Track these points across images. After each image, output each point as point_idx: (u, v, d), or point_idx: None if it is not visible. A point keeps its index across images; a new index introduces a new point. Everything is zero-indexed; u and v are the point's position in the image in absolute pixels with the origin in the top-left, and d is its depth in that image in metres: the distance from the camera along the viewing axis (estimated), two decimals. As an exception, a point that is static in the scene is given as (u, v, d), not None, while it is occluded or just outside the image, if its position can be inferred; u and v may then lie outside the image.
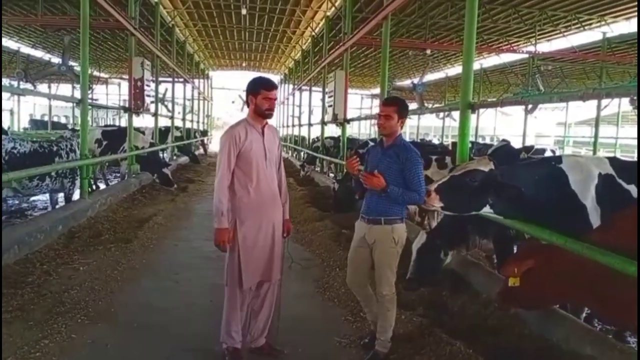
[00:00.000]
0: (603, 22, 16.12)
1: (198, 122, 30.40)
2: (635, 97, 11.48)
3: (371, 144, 12.86)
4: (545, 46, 19.09)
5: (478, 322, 4.27)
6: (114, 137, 12.79)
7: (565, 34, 17.53)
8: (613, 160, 4.41)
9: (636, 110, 20.27)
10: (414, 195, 3.56)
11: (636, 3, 13.93)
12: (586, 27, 16.60)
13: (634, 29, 16.01)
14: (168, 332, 4.14)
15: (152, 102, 14.96)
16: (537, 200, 4.08)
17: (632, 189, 4.11)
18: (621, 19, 15.77)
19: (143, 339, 4.00)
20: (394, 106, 3.67)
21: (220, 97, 47.61)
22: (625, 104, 21.40)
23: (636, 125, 28.33)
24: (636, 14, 15.15)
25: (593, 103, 17.21)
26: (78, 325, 4.10)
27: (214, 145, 36.18)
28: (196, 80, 27.87)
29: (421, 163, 3.65)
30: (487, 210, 4.12)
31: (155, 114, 16.23)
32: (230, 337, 3.62)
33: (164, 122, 20.70)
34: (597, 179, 4.14)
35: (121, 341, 3.93)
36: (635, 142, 28.43)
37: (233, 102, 40.60)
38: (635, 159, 18.61)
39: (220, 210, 3.45)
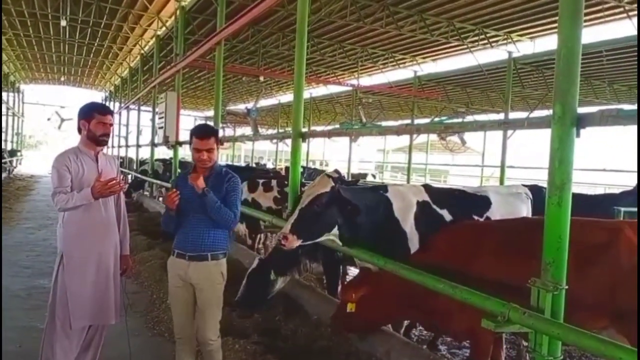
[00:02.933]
0: (415, 62, 18.15)
1: (5, 140, 26.98)
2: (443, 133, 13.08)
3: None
4: (366, 80, 20.84)
5: (310, 343, 4.41)
6: None
7: (383, 70, 19.38)
8: (427, 188, 4.92)
9: (442, 141, 23.16)
10: (229, 214, 3.29)
11: (441, 47, 15.98)
12: (400, 65, 18.50)
13: (440, 69, 18.36)
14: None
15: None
16: (367, 224, 4.33)
17: (445, 213, 4.62)
18: (429, 59, 17.93)
19: None
20: (212, 136, 3.34)
21: (35, 114, 42.86)
22: (433, 135, 24.22)
23: (444, 153, 32.26)
24: (442, 56, 17.40)
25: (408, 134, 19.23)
26: None
27: (25, 167, 32.41)
28: (4, 94, 24.79)
29: (240, 189, 3.48)
30: (334, 232, 4.18)
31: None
32: None
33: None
34: (415, 206, 4.56)
35: None
36: (442, 167, 32.37)
37: (49, 119, 36.80)
38: (447, 184, 21.09)
39: (77, 197, 3.17)
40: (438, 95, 20.51)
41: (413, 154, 19.71)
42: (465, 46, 14.85)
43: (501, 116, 16.82)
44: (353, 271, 8.23)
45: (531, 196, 5.08)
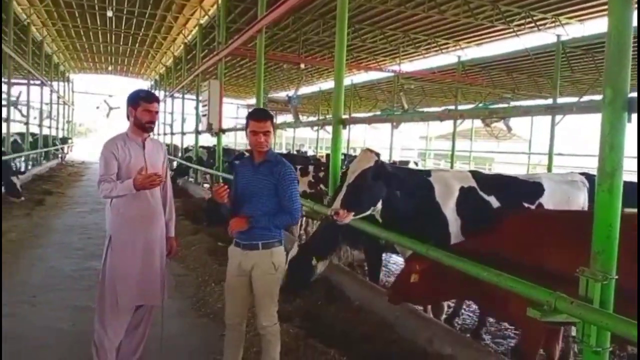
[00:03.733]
0: (458, 47, 17.77)
1: (57, 128, 28.04)
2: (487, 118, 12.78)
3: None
4: (408, 66, 20.55)
5: (351, 329, 4.43)
6: None
7: (426, 55, 19.06)
8: (475, 174, 4.87)
9: (487, 128, 22.66)
10: (284, 217, 3.32)
11: (487, 31, 15.58)
12: (443, 51, 18.15)
13: (485, 53, 17.90)
14: (26, 362, 3.77)
15: (4, 105, 13.58)
16: (408, 206, 4.39)
17: (492, 199, 4.57)
18: (473, 44, 17.51)
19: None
20: (269, 119, 3.33)
21: (84, 102, 44.31)
22: (477, 121, 23.73)
23: (489, 140, 31.54)
24: (486, 40, 16.95)
25: (450, 120, 18.89)
26: None
27: (76, 154, 33.63)
28: (55, 83, 25.73)
29: (295, 179, 3.39)
30: (378, 207, 4.31)
31: (8, 120, 14.74)
32: None
33: (17, 128, 18.86)
34: (458, 192, 4.57)
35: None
36: (487, 155, 31.68)
37: (97, 107, 38.07)
38: (492, 171, 20.68)
39: (120, 187, 3.27)
40: (482, 81, 20.06)
41: (457, 141, 19.39)
42: (511, 30, 14.44)
43: (549, 102, 16.30)
44: (394, 259, 8.23)
45: (587, 184, 4.94)
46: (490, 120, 17.48)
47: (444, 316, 4.84)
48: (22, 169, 15.92)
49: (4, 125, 14.82)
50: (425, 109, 26.13)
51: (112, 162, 3.34)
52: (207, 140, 18.23)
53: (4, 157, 12.16)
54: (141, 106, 3.39)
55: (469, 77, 19.46)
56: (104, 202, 3.55)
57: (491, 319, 5.33)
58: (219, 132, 13.44)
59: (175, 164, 18.49)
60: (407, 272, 3.80)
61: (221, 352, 4.01)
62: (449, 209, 4.51)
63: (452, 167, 19.06)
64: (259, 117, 3.34)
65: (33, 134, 20.85)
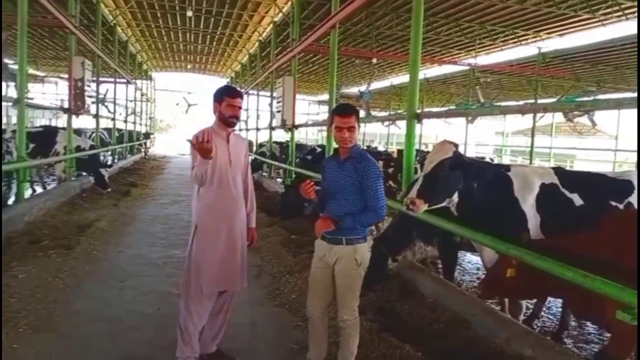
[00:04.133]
0: (538, 38, 16.99)
1: (140, 124, 29.59)
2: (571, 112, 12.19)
3: (319, 150, 13.06)
4: (484, 59, 19.90)
5: (425, 326, 4.40)
6: (41, 139, 11.82)
7: (503, 47, 18.37)
8: (558, 170, 4.70)
9: (570, 122, 21.56)
10: (370, 216, 3.30)
11: (570, 21, 14.79)
12: (522, 42, 17.43)
13: (567, 44, 17.00)
14: (115, 342, 4.04)
15: (92, 102, 14.47)
16: (485, 200, 4.32)
17: (575, 197, 4.39)
18: (555, 35, 16.68)
19: (89, 350, 3.89)
20: (354, 115, 3.33)
21: (164, 99, 46.42)
22: (558, 116, 22.63)
23: (571, 136, 29.96)
24: (569, 30, 16.10)
25: (530, 114, 18.11)
26: (20, 335, 3.93)
27: (157, 148, 35.33)
28: (139, 81, 27.15)
29: (380, 174, 3.35)
30: (455, 198, 4.28)
31: (97, 116, 15.72)
32: (184, 350, 3.51)
33: (104, 124, 20.07)
34: (538, 188, 4.42)
35: (66, 352, 3.80)
36: (568, 151, 30.09)
37: (177, 104, 39.73)
38: (570, 168, 19.67)
39: (198, 168, 3.37)
40: (564, 74, 19.08)
41: (536, 137, 18.55)
42: (596, 19, 13.63)
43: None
44: (468, 257, 8.04)
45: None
46: (573, 115, 16.61)
47: (522, 317, 4.69)
48: (109, 162, 16.92)
49: (93, 120, 15.85)
50: (503, 104, 25.24)
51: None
52: (278, 136, 18.60)
53: (95, 150, 13.02)
54: (225, 101, 3.52)
55: (549, 69, 18.56)
56: (184, 194, 3.73)
57: (573, 323, 5.11)
58: (292, 127, 13.67)
59: (250, 159, 18.99)
60: (503, 266, 3.69)
61: (296, 341, 4.16)
62: (528, 205, 4.38)
63: (530, 164, 18.32)
64: (343, 112, 3.35)
65: (119, 130, 22.15)
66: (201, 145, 3.24)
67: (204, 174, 3.41)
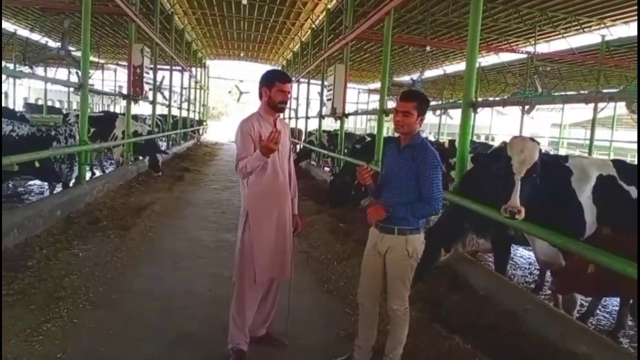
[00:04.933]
0: (602, 25, 16.16)
1: (194, 111, 30.27)
2: (635, 102, 11.56)
3: (368, 139, 12.97)
4: (544, 47, 19.13)
5: (474, 318, 4.32)
6: (101, 124, 12.38)
7: (565, 35, 17.58)
8: (617, 163, 4.57)
9: (633, 115, 20.50)
10: (423, 207, 3.21)
11: (636, 7, 13.99)
12: (585, 30, 16.63)
13: (633, 32, 16.09)
14: (168, 319, 4.18)
15: (149, 89, 14.91)
16: (544, 191, 4.21)
17: (632, 189, 4.24)
18: (620, 22, 15.82)
19: (143, 326, 4.04)
20: (414, 102, 3.25)
21: (217, 87, 47.28)
22: (621, 108, 21.56)
23: (633, 129, 28.52)
24: (636, 18, 15.23)
25: (590, 105, 17.32)
26: (79, 310, 4.12)
27: (210, 135, 36.09)
28: (193, 69, 27.72)
29: (438, 166, 3.23)
30: None
31: (153, 102, 16.20)
32: (236, 337, 3.55)
33: (160, 111, 20.66)
34: (595, 179, 4.30)
35: (122, 327, 3.96)
36: (629, 145, 28.69)
37: (229, 92, 40.43)
38: (631, 162, 18.76)
39: (251, 159, 3.34)
40: (629, 63, 18.09)
41: (595, 130, 17.74)
42: (668, 5, 12.82)
43: None
44: (521, 251, 7.84)
45: None
46: (637, 107, 15.75)
47: (575, 313, 4.54)
48: (165, 148, 17.44)
49: (150, 107, 16.34)
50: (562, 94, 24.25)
51: (248, 142, 3.44)
52: (327, 124, 18.59)
53: (151, 136, 13.45)
54: (276, 86, 3.47)
55: (613, 58, 17.65)
56: (235, 180, 3.76)
57: (630, 322, 4.90)
58: (342, 116, 13.62)
59: (299, 147, 19.11)
60: (584, 262, 3.56)
61: (344, 327, 4.18)
62: (585, 197, 4.29)
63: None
64: (404, 96, 3.34)
65: (173, 116, 22.76)
66: (268, 144, 3.21)
67: (255, 169, 3.39)
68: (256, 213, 3.51)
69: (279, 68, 33.31)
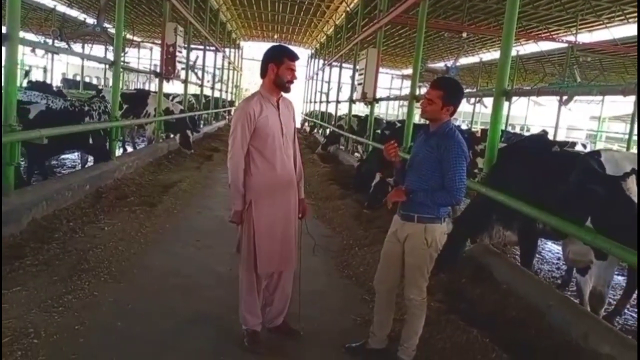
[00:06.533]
0: (649, 16, 15.49)
1: (227, 91, 30.42)
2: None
3: (398, 124, 12.81)
4: (585, 37, 18.46)
5: (496, 312, 4.23)
6: (134, 101, 12.57)
7: (608, 25, 16.91)
8: None
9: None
10: (444, 196, 3.14)
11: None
12: (630, 20, 15.96)
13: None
14: (186, 297, 4.22)
15: (182, 68, 15.01)
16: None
17: None
18: (668, 13, 15.13)
19: (164, 301, 4.09)
20: (439, 91, 3.18)
21: (249, 69, 47.33)
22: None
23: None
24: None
25: (631, 99, 16.69)
26: (101, 283, 4.19)
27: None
28: (227, 50, 27.80)
29: (463, 155, 3.14)
30: None
31: (185, 81, 16.31)
32: (248, 320, 3.51)
33: (192, 90, 20.82)
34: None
35: (141, 302, 4.01)
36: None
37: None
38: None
39: (239, 191, 3.30)
40: (675, 56, 17.33)
41: (635, 124, 17.09)
42: None
43: None
44: (549, 246, 7.64)
45: None
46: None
47: (603, 312, 4.39)
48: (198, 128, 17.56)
49: (182, 86, 16.46)
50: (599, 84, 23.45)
51: (245, 132, 3.29)
52: (357, 109, 18.40)
53: (184, 114, 13.56)
54: (285, 64, 3.28)
55: (658, 50, 16.92)
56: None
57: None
58: (372, 101, 13.47)
59: (328, 131, 18.99)
60: None
61: (360, 314, 4.15)
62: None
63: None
64: (431, 84, 3.30)
65: (206, 96, 22.90)
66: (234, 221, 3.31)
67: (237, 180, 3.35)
68: (259, 205, 3.35)
69: (312, 51, 33.16)
